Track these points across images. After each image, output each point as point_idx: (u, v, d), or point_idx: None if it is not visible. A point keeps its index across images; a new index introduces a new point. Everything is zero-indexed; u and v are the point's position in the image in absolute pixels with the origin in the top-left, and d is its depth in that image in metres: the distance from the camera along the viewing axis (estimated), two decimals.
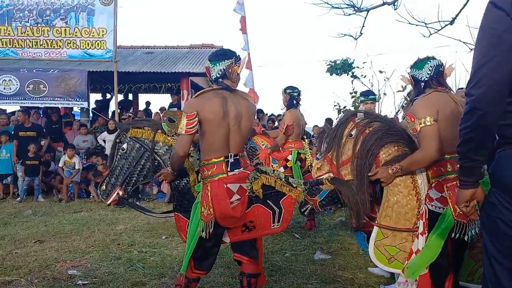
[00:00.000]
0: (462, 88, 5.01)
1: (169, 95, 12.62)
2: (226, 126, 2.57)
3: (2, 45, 9.62)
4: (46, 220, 6.07)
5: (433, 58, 2.67)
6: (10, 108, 10.54)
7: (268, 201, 2.69)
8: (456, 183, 2.31)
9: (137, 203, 5.24)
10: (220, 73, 2.66)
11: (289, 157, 5.15)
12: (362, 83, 12.10)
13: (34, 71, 9.77)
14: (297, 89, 5.23)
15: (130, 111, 12.10)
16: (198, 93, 2.66)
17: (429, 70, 2.61)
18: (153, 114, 11.29)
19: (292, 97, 5.15)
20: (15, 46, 9.65)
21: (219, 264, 4.00)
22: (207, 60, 2.73)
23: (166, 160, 2.86)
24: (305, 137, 5.43)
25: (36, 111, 9.84)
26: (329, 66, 12.33)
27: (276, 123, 10.34)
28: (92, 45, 9.71)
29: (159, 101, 17.73)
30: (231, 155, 2.62)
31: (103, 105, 12.64)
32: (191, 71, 11.08)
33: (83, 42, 9.70)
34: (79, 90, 9.72)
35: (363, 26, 5.66)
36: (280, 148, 5.18)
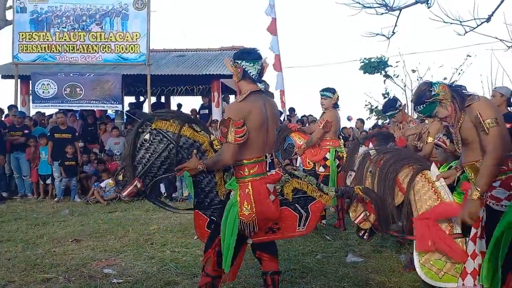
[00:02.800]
0: (496, 88, 4.81)
1: (200, 97, 12.78)
2: (265, 128, 2.61)
3: (41, 50, 10.01)
4: (82, 220, 6.26)
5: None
6: (48, 111, 10.97)
7: (296, 204, 2.72)
8: None
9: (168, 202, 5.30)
10: (259, 72, 2.64)
11: (327, 155, 5.24)
12: (394, 83, 11.83)
13: (71, 75, 10.12)
14: (335, 90, 5.36)
15: None
16: (242, 96, 2.61)
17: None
18: None
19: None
20: (53, 51, 10.02)
21: (250, 265, 3.99)
22: (238, 59, 2.64)
23: (189, 155, 2.80)
24: (340, 136, 5.52)
25: (73, 114, 10.18)
26: (363, 63, 12.11)
27: (307, 125, 10.25)
28: (126, 49, 9.97)
29: (190, 103, 17.94)
30: (266, 155, 2.66)
31: (136, 108, 12.94)
32: (221, 73, 11.17)
33: (117, 46, 9.97)
34: (113, 93, 9.99)
35: (396, 25, 5.53)
36: (318, 145, 5.27)
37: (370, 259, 4.23)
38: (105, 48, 10.01)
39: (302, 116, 10.92)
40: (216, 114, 11.03)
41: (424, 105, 2.64)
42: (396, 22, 5.46)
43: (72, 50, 10.01)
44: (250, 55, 2.65)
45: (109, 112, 12.45)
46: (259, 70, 2.63)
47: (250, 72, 2.62)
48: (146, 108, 11.61)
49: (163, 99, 13.95)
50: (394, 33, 5.62)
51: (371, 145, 4.46)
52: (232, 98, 14.71)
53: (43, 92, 9.84)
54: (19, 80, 10.40)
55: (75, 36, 10.02)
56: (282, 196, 2.69)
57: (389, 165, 2.77)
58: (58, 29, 9.99)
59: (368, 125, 11.08)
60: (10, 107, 9.62)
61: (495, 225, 2.34)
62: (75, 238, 5.10)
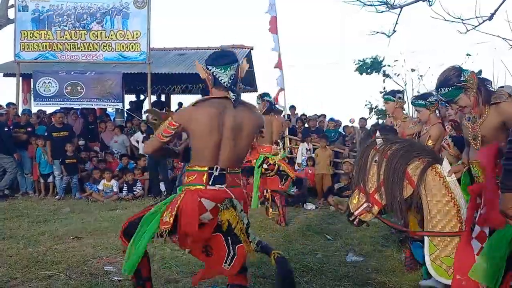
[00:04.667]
0: (502, 87, 4.80)
1: (200, 95, 12.79)
2: (217, 136, 2.40)
3: (43, 48, 10.03)
4: (83, 218, 6.28)
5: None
6: (49, 109, 10.98)
7: (229, 237, 2.46)
8: None
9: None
10: (232, 78, 2.47)
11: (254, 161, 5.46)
12: (395, 81, 11.81)
13: (72, 73, 10.14)
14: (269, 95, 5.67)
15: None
16: (197, 100, 2.52)
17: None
18: None
19: (270, 103, 5.55)
20: (54, 49, 10.04)
21: (250, 264, 4.01)
22: (209, 65, 2.49)
23: None
24: (278, 141, 5.74)
25: (75, 112, 10.19)
26: (358, 65, 12.10)
27: (306, 124, 10.29)
28: (127, 47, 9.98)
29: (191, 102, 17.97)
30: (217, 167, 2.42)
31: (137, 106, 12.95)
32: None
33: (118, 45, 9.98)
34: (114, 92, 10.01)
35: (396, 23, 5.53)
36: (256, 149, 5.45)
37: (371, 259, 4.25)
38: (105, 46, 10.03)
39: (302, 115, 10.93)
40: None
41: (450, 88, 2.58)
42: (397, 20, 5.46)
43: (73, 49, 10.03)
44: (222, 60, 2.49)
45: (109, 110, 12.46)
46: (232, 75, 2.47)
47: (221, 79, 2.45)
48: (146, 107, 11.61)
49: (163, 97, 13.97)
50: (395, 31, 5.61)
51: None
52: None
53: (44, 90, 9.86)
54: (20, 78, 10.42)
55: (76, 35, 10.03)
56: (220, 222, 2.43)
57: (399, 156, 2.60)
58: (59, 27, 10.01)
59: (369, 124, 11.07)
60: (8, 105, 9.59)
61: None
62: (76, 236, 5.12)
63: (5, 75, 11.74)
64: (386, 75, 12.03)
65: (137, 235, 2.53)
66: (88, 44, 10.01)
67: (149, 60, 9.99)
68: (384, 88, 11.94)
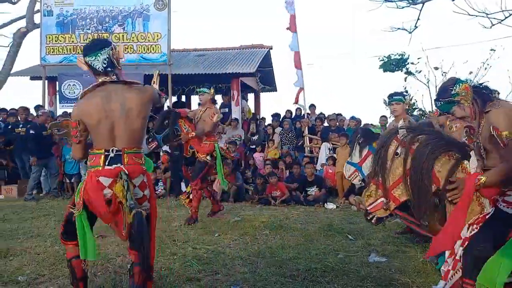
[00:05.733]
0: None
1: (220, 96, 12.86)
2: (108, 122, 2.60)
3: (67, 52, 10.30)
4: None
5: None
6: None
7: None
8: None
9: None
10: (105, 62, 2.64)
11: (215, 149, 5.80)
12: (417, 79, 11.57)
13: None
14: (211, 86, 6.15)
15: None
16: (84, 92, 2.71)
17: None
18: None
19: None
20: (78, 52, 10.25)
21: (271, 263, 4.02)
22: (84, 56, 2.68)
23: None
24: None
25: None
26: (382, 62, 11.86)
27: (326, 123, 10.22)
28: (148, 49, 10.14)
29: None
30: (113, 149, 2.63)
31: (158, 107, 13.09)
32: (240, 71, 11.21)
33: (139, 47, 10.15)
34: None
35: (418, 19, 5.45)
36: (205, 140, 5.79)
37: (394, 259, 4.18)
38: (127, 48, 10.20)
39: (319, 114, 10.85)
40: (236, 113, 11.09)
41: (443, 102, 2.56)
42: (419, 15, 5.38)
43: None
44: (91, 48, 2.67)
45: None
46: (105, 59, 2.63)
47: (95, 66, 2.64)
48: (167, 108, 11.74)
49: (183, 98, 14.10)
50: (416, 27, 5.54)
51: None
52: (250, 96, 14.76)
53: (69, 93, 10.11)
54: (46, 81, 10.70)
55: (98, 38, 10.24)
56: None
57: (428, 152, 2.43)
58: (82, 31, 10.25)
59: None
60: (36, 107, 9.89)
61: (503, 227, 2.31)
62: (100, 234, 5.21)
63: (32, 78, 12.09)
64: (408, 73, 11.77)
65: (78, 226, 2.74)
66: None
67: (170, 62, 10.11)
68: (405, 88, 11.72)
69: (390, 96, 5.09)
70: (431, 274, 3.69)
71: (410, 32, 5.56)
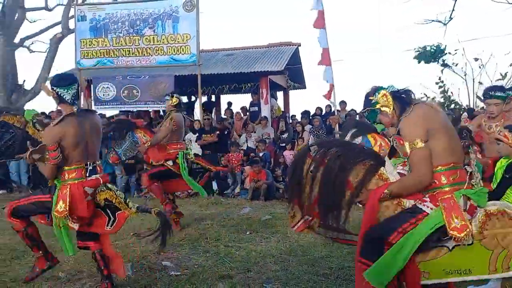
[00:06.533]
0: None
1: (249, 94, 12.91)
2: (84, 142, 3.20)
3: (100, 55, 10.61)
4: (141, 215, 6.52)
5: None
6: (108, 112, 11.59)
7: (107, 209, 3.38)
8: (452, 195, 2.28)
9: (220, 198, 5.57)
10: (74, 96, 3.20)
11: (177, 160, 5.47)
12: (454, 71, 11.15)
13: (127, 78, 10.63)
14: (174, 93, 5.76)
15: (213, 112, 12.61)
16: (58, 120, 3.15)
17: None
18: (234, 114, 11.64)
19: (180, 101, 5.67)
20: (111, 55, 10.58)
21: (303, 261, 4.02)
22: (54, 86, 3.18)
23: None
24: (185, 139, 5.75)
25: (132, 115, 10.68)
26: (418, 52, 11.44)
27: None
28: (178, 50, 10.30)
29: (240, 101, 18.18)
30: (89, 163, 3.27)
31: (188, 108, 13.30)
32: (269, 69, 11.21)
33: (169, 48, 10.33)
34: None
35: (453, 10, 5.27)
36: (165, 148, 5.45)
37: None
38: (158, 50, 10.41)
39: (350, 110, 10.69)
40: (265, 111, 11.09)
41: (367, 112, 2.59)
42: (454, 6, 5.20)
43: (128, 54, 10.51)
44: (65, 81, 3.21)
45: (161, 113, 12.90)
46: (74, 93, 3.19)
47: (65, 97, 3.17)
48: (197, 108, 11.91)
49: (213, 98, 14.24)
50: (451, 18, 5.35)
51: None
52: (279, 94, 14.72)
53: (103, 95, 10.42)
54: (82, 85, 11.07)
55: (130, 41, 10.50)
56: (96, 201, 3.30)
57: (339, 165, 2.44)
58: (114, 34, 10.52)
59: None
60: None
61: (409, 213, 2.36)
62: (135, 232, 5.36)
63: None
64: (444, 65, 11.34)
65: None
66: (141, 49, 10.44)
67: (199, 62, 10.24)
68: (440, 79, 11.32)
69: (492, 90, 3.94)
70: None
71: (445, 24, 5.38)
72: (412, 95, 2.54)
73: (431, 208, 2.34)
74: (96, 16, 10.60)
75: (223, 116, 12.05)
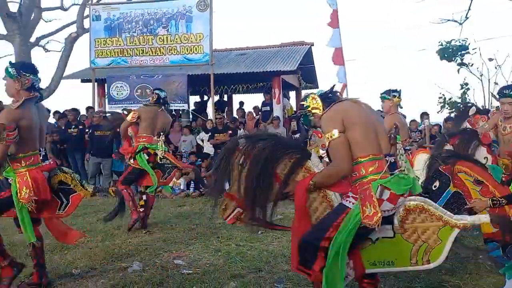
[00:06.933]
0: None
1: (261, 94, 12.89)
2: (38, 128, 3.33)
3: (114, 55, 10.70)
4: (154, 213, 6.58)
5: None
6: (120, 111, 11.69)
7: (60, 193, 3.45)
8: (369, 186, 2.37)
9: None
10: (36, 83, 3.35)
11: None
12: (470, 71, 10.96)
13: (141, 77, 10.70)
14: (165, 91, 5.94)
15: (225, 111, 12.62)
16: (19, 103, 3.19)
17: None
18: (246, 113, 11.64)
19: (159, 96, 5.76)
20: (125, 55, 10.66)
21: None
22: (27, 72, 3.29)
23: None
24: (161, 133, 5.67)
25: None
26: (441, 47, 11.20)
27: None
28: (191, 50, 10.33)
29: (252, 101, 18.19)
30: (41, 149, 3.43)
31: (201, 107, 13.34)
32: (281, 69, 11.17)
33: (182, 48, 10.37)
34: (180, 93, 10.41)
35: (469, 9, 5.18)
36: (132, 140, 5.66)
37: (445, 260, 4.00)
38: (171, 50, 10.45)
39: None
40: (277, 111, 11.06)
41: (302, 117, 2.72)
42: (470, 5, 5.10)
43: (141, 54, 10.58)
44: (34, 70, 3.36)
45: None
46: (36, 81, 3.35)
47: (35, 84, 3.33)
48: (210, 107, 11.94)
49: (225, 97, 14.26)
50: (467, 18, 5.25)
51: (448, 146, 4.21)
52: (292, 94, 14.68)
53: (117, 94, 10.51)
54: (96, 84, 11.18)
55: (144, 40, 10.57)
56: (49, 185, 3.37)
57: (265, 157, 2.53)
58: (128, 34, 10.60)
59: (436, 119, 10.44)
60: (87, 109, 10.36)
61: (336, 214, 2.45)
62: (148, 230, 5.39)
63: (83, 81, 12.67)
64: (462, 64, 11.12)
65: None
66: (155, 48, 10.50)
67: (212, 61, 10.25)
68: (464, 80, 11.07)
69: (507, 88, 3.89)
70: (484, 277, 3.51)
71: (460, 24, 5.29)
72: (338, 94, 2.70)
73: (353, 203, 2.44)
74: (111, 16, 10.69)
75: (234, 115, 12.06)
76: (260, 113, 11.46)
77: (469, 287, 3.39)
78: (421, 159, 5.23)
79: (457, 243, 2.48)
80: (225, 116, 11.44)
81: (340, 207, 2.49)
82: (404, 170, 2.51)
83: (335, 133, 2.40)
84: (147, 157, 5.52)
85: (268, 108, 11.25)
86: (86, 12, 12.96)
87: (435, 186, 3.20)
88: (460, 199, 3.15)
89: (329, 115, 2.51)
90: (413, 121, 9.53)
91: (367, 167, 2.42)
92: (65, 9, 15.82)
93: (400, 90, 5.28)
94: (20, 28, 13.85)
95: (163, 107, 5.78)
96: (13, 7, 14.02)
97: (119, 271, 3.89)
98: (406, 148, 5.30)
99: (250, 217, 2.66)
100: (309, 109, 2.62)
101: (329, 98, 2.61)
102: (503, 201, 2.94)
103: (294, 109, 13.35)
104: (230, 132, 9.40)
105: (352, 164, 2.44)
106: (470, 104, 5.08)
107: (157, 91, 5.86)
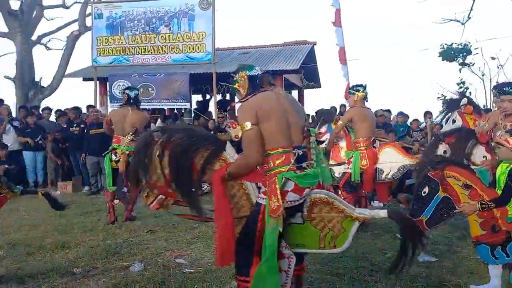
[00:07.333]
0: None
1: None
2: None
3: (117, 53, 10.69)
4: (156, 212, 6.56)
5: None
6: None
7: None
8: (275, 178, 2.43)
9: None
10: None
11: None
12: (472, 71, 10.97)
13: (143, 75, 10.70)
14: (136, 90, 6.11)
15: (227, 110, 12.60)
16: None
17: (259, 71, 2.69)
18: None
19: (129, 96, 5.84)
20: (127, 53, 10.65)
21: (316, 261, 3.98)
22: None
23: None
24: (130, 133, 5.75)
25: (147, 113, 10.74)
26: (442, 50, 11.24)
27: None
28: (193, 48, 10.32)
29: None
30: None
31: (203, 106, 13.35)
32: (284, 68, 11.16)
33: (185, 47, 10.35)
34: (182, 92, 10.41)
35: (471, 9, 5.16)
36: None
37: (445, 260, 4.02)
38: (173, 48, 10.44)
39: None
40: None
41: (228, 88, 2.77)
42: (472, 5, 5.09)
43: (144, 52, 10.57)
44: None
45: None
46: None
47: None
48: (212, 106, 11.94)
49: (228, 96, 14.26)
50: (469, 18, 5.24)
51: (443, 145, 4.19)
52: (294, 93, 14.65)
53: (119, 93, 10.49)
54: (98, 82, 11.19)
55: (146, 38, 10.56)
56: None
57: (181, 150, 2.64)
58: (130, 32, 10.59)
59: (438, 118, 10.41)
60: (88, 107, 10.35)
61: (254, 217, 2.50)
62: (150, 229, 5.40)
63: (84, 79, 12.69)
64: (464, 64, 11.14)
65: None
66: (157, 47, 10.50)
67: (214, 60, 10.24)
68: (461, 79, 11.13)
69: (507, 85, 3.81)
70: (485, 276, 3.49)
71: (463, 23, 5.27)
72: (268, 82, 2.69)
73: (264, 198, 2.50)
74: (113, 14, 10.69)
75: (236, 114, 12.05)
76: None
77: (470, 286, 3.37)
78: (386, 153, 5.40)
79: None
80: (227, 115, 11.42)
81: (257, 207, 2.53)
82: (312, 163, 2.61)
83: (248, 125, 2.45)
84: (114, 158, 5.72)
85: None
86: (88, 10, 12.98)
87: (424, 192, 3.23)
88: (450, 203, 3.18)
89: (244, 106, 2.55)
90: (415, 120, 9.51)
91: (275, 160, 2.49)
92: (67, 7, 15.85)
93: (366, 84, 5.42)
94: (22, 26, 13.87)
95: (135, 106, 5.88)
96: (15, 5, 14.08)
97: (120, 270, 3.90)
98: (373, 141, 5.45)
99: (184, 203, 2.81)
100: (236, 85, 2.67)
101: (256, 83, 2.62)
102: (492, 205, 2.99)
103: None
104: None
105: (263, 156, 2.51)
106: (462, 94, 5.07)
107: (127, 91, 5.98)
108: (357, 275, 3.65)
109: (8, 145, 9.12)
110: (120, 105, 6.24)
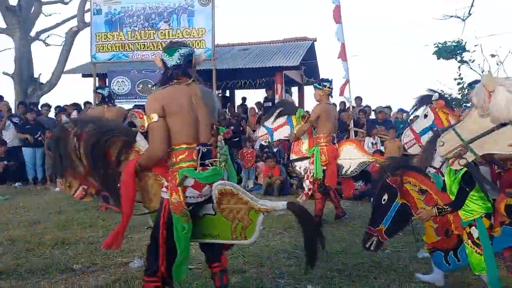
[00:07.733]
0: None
1: (264, 90, 12.86)
2: None
3: (116, 49, 10.63)
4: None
5: (185, 46, 2.77)
6: (123, 106, 11.65)
7: None
8: (176, 174, 2.49)
9: None
10: None
11: None
12: (471, 68, 10.95)
13: (143, 72, 10.67)
14: (107, 87, 6.46)
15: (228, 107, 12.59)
16: None
17: (179, 59, 2.68)
18: (248, 109, 11.61)
19: (103, 95, 6.29)
20: (126, 49, 10.59)
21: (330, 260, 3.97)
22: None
23: None
24: None
25: None
26: (437, 48, 11.26)
27: (373, 115, 9.94)
28: (192, 45, 10.24)
29: (254, 96, 18.13)
30: None
31: None
32: (283, 65, 11.13)
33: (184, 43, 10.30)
34: None
35: (472, 5, 5.14)
36: None
37: None
38: None
39: (365, 106, 10.57)
40: None
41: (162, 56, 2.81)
42: (473, 2, 5.08)
43: (143, 48, 10.52)
44: None
45: None
46: None
47: None
48: None
49: (228, 93, 14.24)
50: (470, 14, 5.22)
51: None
52: (294, 90, 14.64)
53: (118, 89, 10.48)
54: (97, 78, 11.15)
55: (145, 35, 10.51)
56: None
57: (93, 142, 2.71)
58: (130, 28, 10.54)
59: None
60: (85, 104, 10.32)
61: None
62: (149, 226, 5.37)
63: (83, 75, 12.65)
64: (462, 61, 11.13)
65: None
66: (156, 43, 10.44)
67: (214, 57, 10.21)
68: (460, 75, 11.12)
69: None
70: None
71: (463, 20, 5.25)
72: (186, 75, 2.65)
73: (166, 192, 2.54)
74: (112, 10, 10.64)
75: (236, 111, 12.04)
76: (262, 108, 11.44)
77: (471, 280, 3.39)
78: (347, 150, 5.52)
79: None
80: (227, 112, 11.43)
81: (161, 202, 2.60)
82: (216, 161, 2.64)
83: (155, 117, 2.46)
84: None
85: (270, 103, 11.22)
86: (87, 6, 12.93)
87: (384, 200, 3.13)
88: (407, 210, 3.10)
89: (153, 97, 2.55)
90: (415, 117, 9.49)
91: (178, 155, 2.52)
92: (66, 3, 15.78)
93: (331, 80, 5.57)
94: (20, 22, 13.82)
95: (110, 104, 6.30)
96: (13, 1, 14.00)
97: (120, 266, 3.89)
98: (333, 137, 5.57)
99: (104, 193, 2.97)
100: (165, 59, 2.73)
101: (172, 75, 2.63)
102: (448, 209, 2.96)
103: (297, 105, 13.33)
104: (232, 127, 9.37)
105: (167, 149, 2.53)
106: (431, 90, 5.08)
107: (99, 91, 6.37)
108: (357, 271, 3.66)
109: (8, 141, 9.13)
110: (96, 104, 6.58)
